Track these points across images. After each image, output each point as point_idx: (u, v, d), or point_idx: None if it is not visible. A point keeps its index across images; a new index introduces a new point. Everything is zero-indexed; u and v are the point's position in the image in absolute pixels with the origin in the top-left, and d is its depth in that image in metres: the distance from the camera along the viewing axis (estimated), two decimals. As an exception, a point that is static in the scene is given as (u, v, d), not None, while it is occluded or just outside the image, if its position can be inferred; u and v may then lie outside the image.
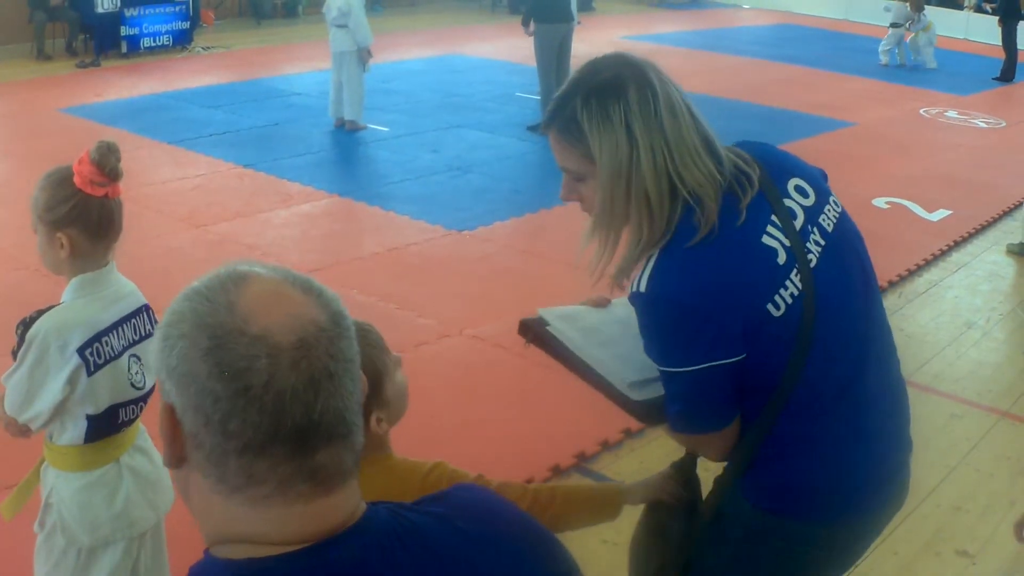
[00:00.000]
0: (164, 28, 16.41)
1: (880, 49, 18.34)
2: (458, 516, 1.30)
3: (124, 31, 15.81)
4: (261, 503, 1.17)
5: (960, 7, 24.12)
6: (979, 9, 23.41)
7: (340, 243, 8.24)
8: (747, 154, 2.24)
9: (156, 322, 2.99)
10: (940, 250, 8.58)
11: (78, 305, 2.85)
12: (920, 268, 8.16)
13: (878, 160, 11.39)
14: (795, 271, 2.13)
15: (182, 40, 16.66)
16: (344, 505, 1.22)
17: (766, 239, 2.14)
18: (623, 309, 2.45)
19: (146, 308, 3.01)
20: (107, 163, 2.79)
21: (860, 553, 2.46)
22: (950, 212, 9.59)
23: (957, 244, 8.81)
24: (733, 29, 22.64)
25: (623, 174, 2.12)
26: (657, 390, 2.29)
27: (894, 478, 2.37)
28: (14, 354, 2.83)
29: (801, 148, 11.24)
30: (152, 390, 3.00)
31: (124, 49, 15.81)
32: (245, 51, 16.97)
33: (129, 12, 15.80)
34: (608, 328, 2.45)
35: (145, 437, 3.09)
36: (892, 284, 7.67)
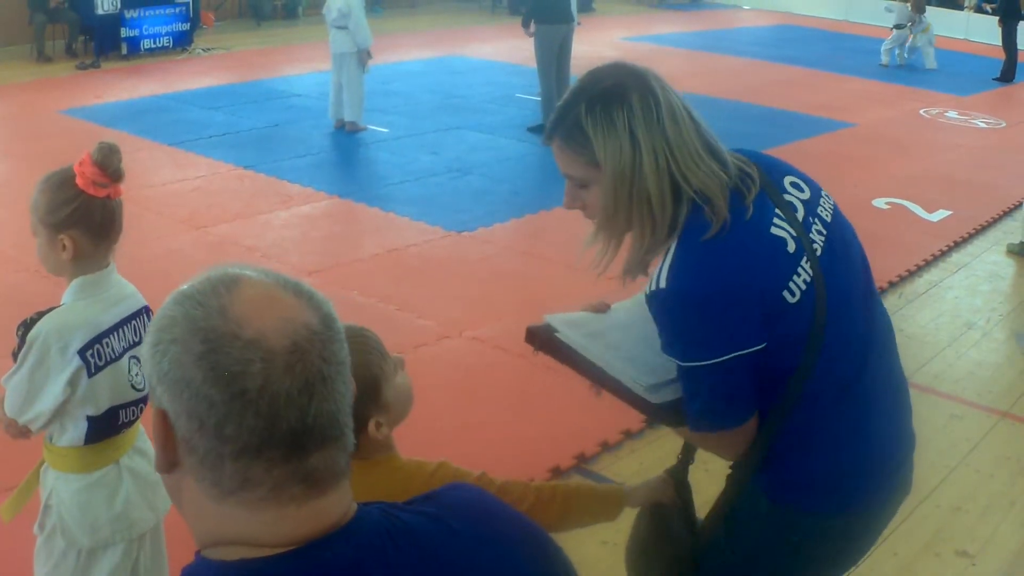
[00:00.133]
0: (164, 30, 16.42)
1: (882, 49, 18.34)
2: (450, 515, 1.31)
3: (124, 33, 15.83)
4: (255, 506, 1.17)
5: (960, 7, 24.13)
6: (979, 9, 23.42)
7: (340, 244, 8.25)
8: (743, 156, 2.31)
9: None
10: (940, 251, 8.58)
11: (79, 307, 2.85)
12: (920, 269, 8.16)
13: (878, 161, 11.39)
14: (805, 259, 2.19)
15: (182, 42, 16.67)
16: (336, 506, 1.22)
17: (775, 230, 2.19)
18: (624, 313, 2.50)
19: (146, 310, 3.02)
20: (110, 164, 2.79)
21: (871, 544, 2.49)
22: (950, 212, 9.59)
23: (957, 245, 8.81)
24: (733, 30, 22.64)
25: (627, 177, 2.16)
26: (673, 392, 2.31)
27: (900, 469, 2.41)
28: (14, 356, 2.84)
29: (801, 149, 11.33)
30: (152, 392, 2.99)
31: (124, 51, 15.82)
32: (245, 52, 16.98)
33: (129, 14, 15.81)
34: (614, 332, 2.46)
35: (144, 439, 3.09)
36: (892, 285, 7.68)
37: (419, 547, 1.24)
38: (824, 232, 2.28)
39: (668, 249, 2.20)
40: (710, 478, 3.17)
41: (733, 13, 26.21)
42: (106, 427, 2.91)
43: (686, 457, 2.66)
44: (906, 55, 18.46)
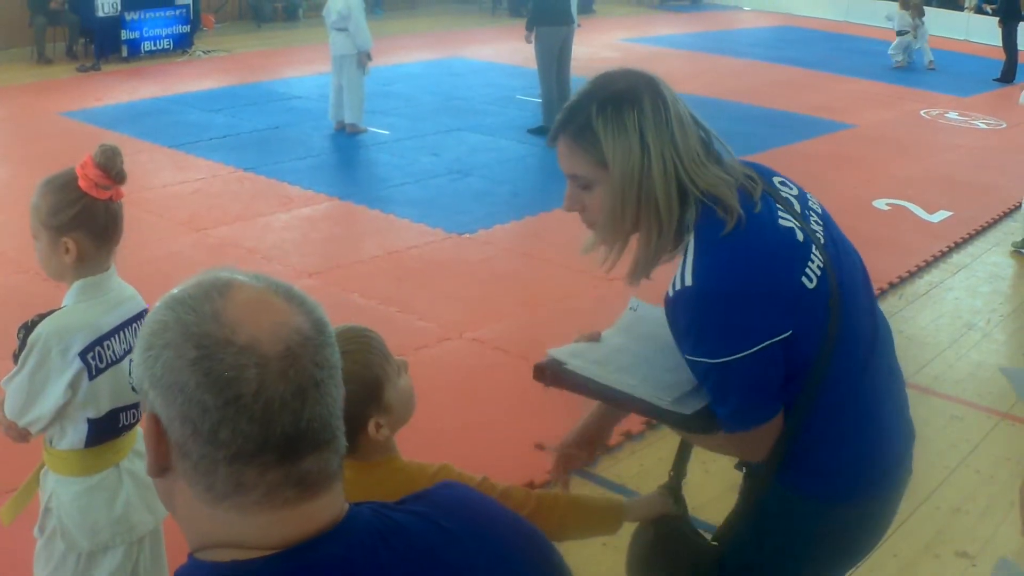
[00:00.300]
0: (164, 32, 16.42)
1: (891, 52, 18.31)
2: (441, 514, 1.31)
3: (125, 35, 15.83)
4: (248, 509, 1.18)
5: (960, 8, 24.12)
6: (979, 10, 23.41)
7: (340, 246, 8.25)
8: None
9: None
10: (940, 251, 8.58)
11: (80, 309, 2.85)
12: (920, 270, 8.16)
13: (878, 162, 11.39)
14: (813, 247, 2.25)
15: (182, 44, 16.68)
16: (329, 508, 1.22)
17: (782, 221, 2.25)
18: (618, 339, 2.53)
19: (147, 312, 3.01)
20: (113, 166, 2.80)
21: (889, 525, 2.53)
22: (950, 213, 9.59)
23: (957, 245, 8.81)
24: (733, 31, 22.65)
25: (635, 179, 2.19)
26: (698, 401, 2.32)
27: (907, 452, 2.48)
28: (15, 358, 2.84)
29: (801, 150, 11.34)
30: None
31: (125, 53, 15.83)
32: (245, 55, 16.99)
33: (129, 16, 15.82)
34: (619, 356, 2.48)
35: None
36: (892, 286, 7.68)
37: (410, 546, 1.25)
38: (821, 223, 2.35)
39: (684, 249, 2.22)
40: (710, 479, 3.19)
41: (733, 14, 26.22)
42: (106, 430, 2.91)
43: (679, 472, 2.70)
44: (911, 58, 18.45)
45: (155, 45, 16.27)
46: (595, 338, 2.56)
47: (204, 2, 18.74)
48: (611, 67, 2.36)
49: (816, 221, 2.34)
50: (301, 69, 15.40)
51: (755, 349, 2.15)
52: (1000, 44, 17.41)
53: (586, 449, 2.73)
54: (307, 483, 1.19)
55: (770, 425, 2.28)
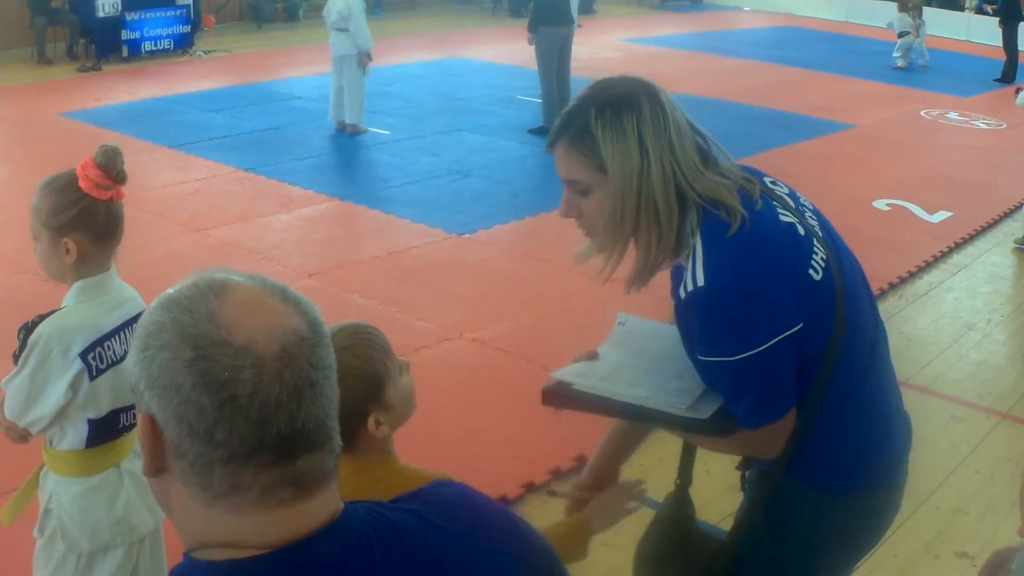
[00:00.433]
0: (165, 32, 16.43)
1: (895, 55, 18.30)
2: (435, 512, 1.31)
3: (125, 35, 15.85)
4: (244, 509, 1.18)
5: (961, 8, 24.12)
6: (980, 11, 23.40)
7: (340, 247, 8.25)
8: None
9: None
10: (940, 252, 8.58)
11: (80, 309, 2.85)
12: (920, 270, 8.16)
13: (879, 162, 11.39)
14: (815, 240, 2.30)
15: (183, 44, 16.68)
16: (324, 507, 1.23)
17: (783, 217, 2.29)
18: (616, 355, 2.54)
19: (146, 312, 3.01)
20: (113, 166, 2.80)
21: (893, 519, 2.57)
22: (951, 214, 9.59)
23: (958, 246, 8.81)
24: (734, 31, 22.65)
25: (634, 183, 2.21)
26: (707, 404, 2.33)
27: (908, 444, 2.53)
28: (15, 358, 2.84)
29: (802, 150, 11.34)
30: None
31: (125, 53, 15.84)
32: (246, 55, 17.00)
33: (130, 16, 15.83)
34: (623, 371, 2.49)
35: (144, 442, 3.08)
36: (892, 286, 7.68)
37: (405, 544, 1.25)
38: (816, 220, 2.39)
39: (691, 253, 2.24)
40: (711, 480, 3.19)
41: (734, 15, 26.22)
42: (107, 430, 2.91)
43: (685, 479, 2.74)
44: (911, 58, 18.43)
45: (155, 45, 16.28)
46: (593, 356, 2.57)
47: (204, 2, 18.73)
48: (611, 69, 2.37)
49: (811, 217, 2.38)
50: (301, 69, 15.40)
51: (770, 344, 2.18)
52: (1000, 44, 17.40)
53: (596, 492, 2.73)
54: (303, 483, 1.20)
55: (785, 420, 2.30)
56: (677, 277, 2.33)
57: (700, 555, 2.63)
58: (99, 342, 2.85)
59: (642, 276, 2.33)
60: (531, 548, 1.39)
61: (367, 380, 2.13)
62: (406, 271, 7.61)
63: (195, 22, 17.34)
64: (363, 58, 11.34)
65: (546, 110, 11.93)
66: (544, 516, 4.56)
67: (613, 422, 2.74)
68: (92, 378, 2.83)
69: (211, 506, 1.18)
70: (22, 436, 2.88)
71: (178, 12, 16.68)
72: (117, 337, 2.89)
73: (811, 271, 2.24)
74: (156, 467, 1.21)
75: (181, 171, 9.99)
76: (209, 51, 16.88)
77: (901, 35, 18.31)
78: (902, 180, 10.68)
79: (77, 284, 2.87)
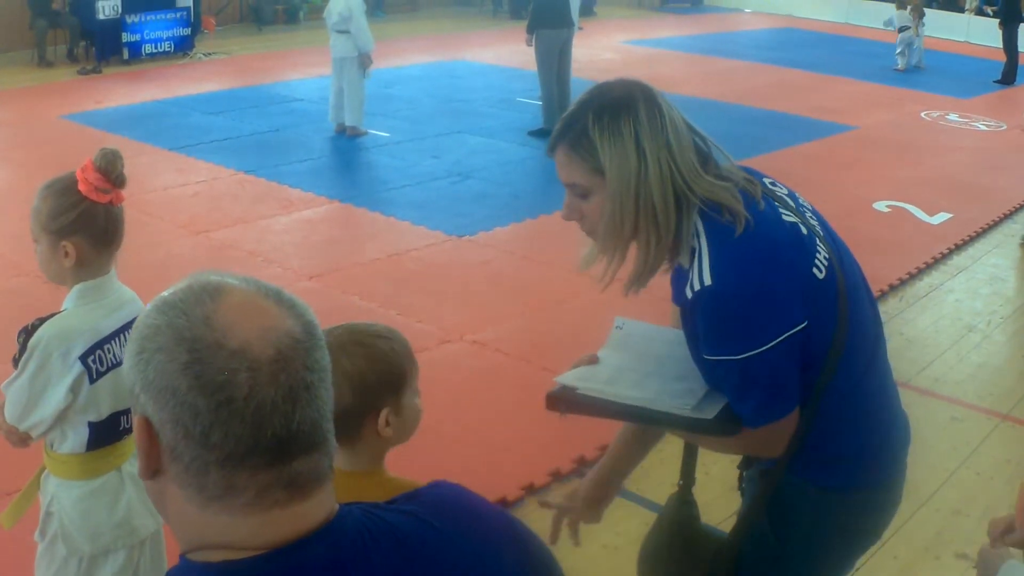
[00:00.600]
0: (165, 35, 16.44)
1: (897, 53, 18.28)
2: (431, 513, 1.32)
3: (125, 38, 15.85)
4: (239, 511, 1.19)
5: (961, 10, 24.13)
6: (980, 12, 23.41)
7: (341, 249, 8.25)
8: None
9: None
10: (941, 253, 8.58)
11: (80, 312, 2.85)
12: (921, 271, 8.16)
13: (879, 163, 11.40)
14: (817, 240, 2.33)
15: (183, 46, 16.69)
16: (319, 509, 1.23)
17: (785, 217, 2.32)
18: (616, 358, 2.55)
19: (146, 315, 3.01)
20: (113, 170, 2.80)
21: (893, 517, 2.58)
22: (951, 215, 9.59)
23: (958, 247, 8.81)
24: (734, 33, 22.66)
25: (631, 186, 2.23)
26: (711, 404, 2.35)
27: (907, 441, 2.56)
28: (15, 362, 2.84)
29: (802, 152, 11.34)
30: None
31: (125, 56, 15.85)
32: (246, 57, 17.00)
33: (130, 19, 15.83)
34: (626, 375, 2.50)
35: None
36: (893, 287, 7.68)
37: (400, 545, 1.26)
38: (816, 220, 2.41)
39: (695, 254, 2.26)
40: (710, 481, 3.19)
41: (734, 16, 26.23)
42: (107, 433, 2.91)
43: (688, 480, 2.76)
44: (916, 59, 18.40)
45: (156, 48, 16.29)
46: (594, 360, 2.58)
47: (205, 5, 18.74)
48: (611, 71, 2.40)
49: (811, 217, 2.41)
50: (302, 71, 15.41)
51: (775, 342, 2.20)
52: (1001, 46, 17.41)
53: (592, 507, 2.75)
54: (298, 484, 1.20)
55: (788, 419, 2.32)
56: (679, 280, 2.35)
57: (703, 555, 2.64)
58: (99, 345, 2.85)
59: (641, 278, 2.35)
60: (528, 550, 1.40)
61: (392, 371, 2.15)
62: (406, 273, 7.61)
63: (195, 24, 17.35)
64: (364, 59, 11.35)
65: (546, 112, 11.93)
66: (544, 518, 4.57)
67: (617, 436, 2.74)
68: (92, 381, 2.83)
69: (206, 508, 1.19)
70: (23, 440, 2.88)
71: (178, 14, 16.69)
72: (117, 340, 2.89)
73: (815, 270, 2.27)
74: (152, 469, 1.22)
75: (181, 173, 10.00)
76: (209, 53, 16.89)
77: (901, 30, 18.27)
78: (902, 181, 10.68)
79: (77, 287, 2.87)
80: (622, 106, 2.25)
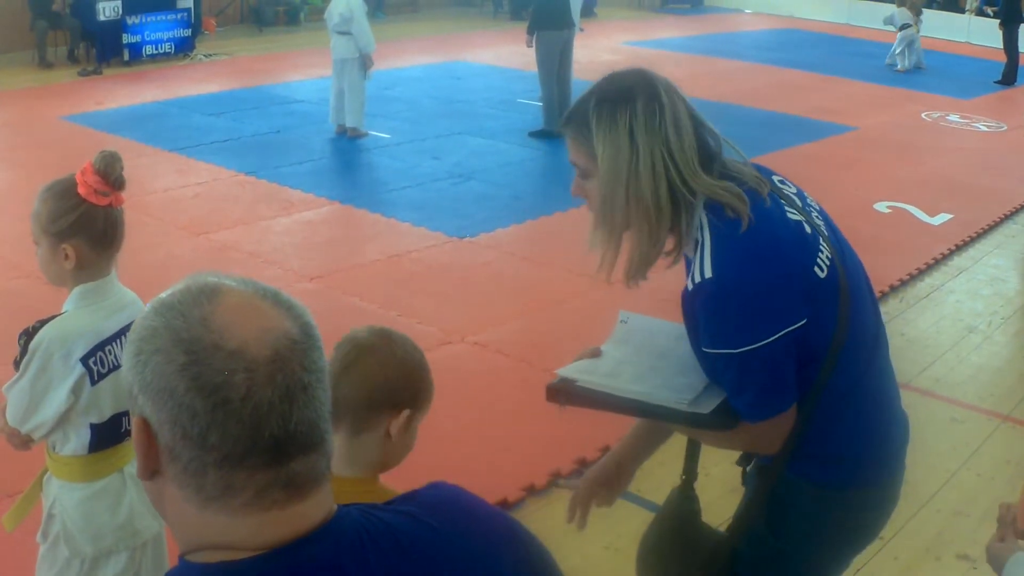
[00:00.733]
0: (166, 36, 16.44)
1: (895, 54, 18.27)
2: (429, 513, 1.32)
3: (126, 39, 15.85)
4: (237, 511, 1.19)
5: (961, 10, 24.12)
6: (980, 13, 23.40)
7: (341, 250, 8.25)
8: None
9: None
10: (941, 254, 8.58)
11: (81, 314, 2.86)
12: (921, 272, 8.16)
13: (879, 164, 11.40)
14: (820, 239, 2.35)
15: (184, 48, 16.69)
16: (317, 509, 1.24)
17: (790, 215, 2.35)
18: (619, 352, 2.58)
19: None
20: (112, 172, 2.80)
21: (890, 516, 2.60)
22: (951, 216, 9.60)
23: (958, 248, 8.81)
24: (735, 34, 22.65)
25: (622, 176, 2.29)
26: (709, 399, 2.37)
27: (905, 441, 2.57)
28: (16, 364, 2.84)
29: (803, 153, 11.35)
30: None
31: (126, 57, 15.84)
32: (247, 58, 17.00)
33: (131, 20, 15.83)
34: (626, 368, 2.52)
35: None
36: (893, 288, 7.68)
37: (398, 545, 1.26)
38: (821, 220, 2.45)
39: (698, 247, 2.29)
40: (711, 482, 3.19)
41: (735, 17, 26.21)
42: (109, 435, 2.92)
43: (690, 474, 2.78)
44: (916, 58, 18.37)
45: (156, 49, 16.28)
46: (596, 353, 2.60)
47: (205, 6, 18.75)
48: (620, 67, 2.43)
49: (817, 217, 2.43)
50: (302, 73, 15.41)
51: (774, 338, 2.23)
52: (1001, 46, 17.40)
53: (606, 488, 2.76)
54: (295, 485, 1.21)
55: (785, 415, 2.34)
56: (689, 270, 2.38)
57: (702, 550, 2.67)
58: (100, 347, 2.85)
59: (637, 270, 2.39)
60: (527, 551, 1.40)
61: (425, 380, 2.23)
62: (407, 275, 7.62)
63: (196, 26, 17.35)
64: (366, 61, 11.35)
65: (547, 113, 11.94)
66: (544, 518, 4.58)
67: (633, 426, 2.76)
68: (93, 383, 2.84)
69: (205, 508, 1.19)
70: (24, 442, 2.89)
71: (179, 16, 16.69)
72: (118, 341, 2.89)
73: (816, 268, 2.29)
74: (151, 470, 1.22)
75: (182, 175, 10.00)
76: (210, 55, 16.88)
77: (903, 28, 18.23)
78: (903, 182, 10.69)
79: (77, 289, 2.87)
80: (621, 98, 2.31)
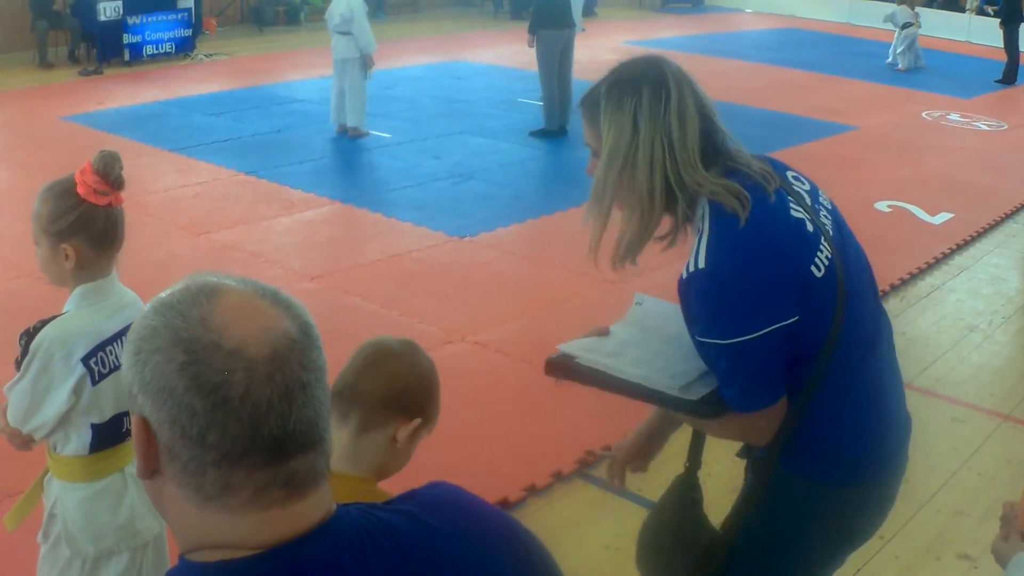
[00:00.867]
0: (166, 36, 16.44)
1: (896, 53, 18.25)
2: (428, 512, 1.32)
3: (127, 39, 15.84)
4: (236, 510, 1.19)
5: (962, 10, 24.11)
6: (981, 12, 23.40)
7: (342, 250, 8.26)
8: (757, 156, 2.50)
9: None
10: (942, 253, 8.59)
11: (82, 315, 2.86)
12: (922, 271, 8.16)
13: (880, 164, 11.40)
14: (822, 238, 2.37)
15: (184, 48, 16.69)
16: (316, 508, 1.24)
17: (794, 213, 2.37)
18: (626, 333, 2.60)
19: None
20: (111, 172, 2.80)
21: (889, 510, 2.61)
22: (952, 215, 9.60)
23: (959, 247, 8.82)
24: (736, 33, 22.65)
25: (619, 158, 2.35)
26: (703, 387, 2.41)
27: (907, 441, 2.59)
28: (17, 364, 2.84)
29: (803, 152, 11.34)
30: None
31: (127, 57, 15.84)
32: (247, 58, 17.00)
33: (131, 20, 15.83)
34: (629, 349, 2.54)
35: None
36: (894, 288, 7.68)
37: (397, 544, 1.26)
38: (830, 218, 2.46)
39: (699, 235, 2.33)
40: (712, 481, 3.19)
41: (736, 17, 26.21)
42: (110, 435, 2.92)
43: (694, 462, 2.80)
44: (914, 57, 18.34)
45: (157, 49, 16.28)
46: (604, 333, 2.63)
47: (206, 6, 18.75)
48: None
49: (825, 215, 2.45)
50: (303, 72, 15.41)
51: (763, 332, 2.25)
52: (1002, 46, 17.40)
53: (639, 456, 2.82)
54: (295, 484, 1.21)
55: (774, 409, 2.37)
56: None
57: (701, 539, 2.69)
58: (101, 347, 2.85)
59: (627, 252, 2.43)
60: (527, 550, 1.40)
61: (436, 396, 2.26)
62: (408, 274, 7.62)
63: (196, 26, 17.35)
64: (367, 60, 11.35)
65: (547, 113, 11.94)
66: (545, 518, 4.58)
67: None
68: (94, 383, 2.84)
69: (204, 507, 1.19)
70: (26, 442, 2.89)
71: (179, 16, 16.69)
72: (119, 342, 2.89)
73: (813, 268, 2.30)
74: (150, 469, 1.22)
75: (182, 175, 10.00)
76: (210, 54, 16.88)
77: (905, 26, 18.21)
78: (903, 182, 10.69)
79: (78, 289, 2.87)
80: (630, 86, 2.37)
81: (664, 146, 2.32)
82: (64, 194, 2.80)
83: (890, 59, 18.48)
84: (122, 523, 2.95)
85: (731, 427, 2.46)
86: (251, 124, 12.13)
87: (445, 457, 4.75)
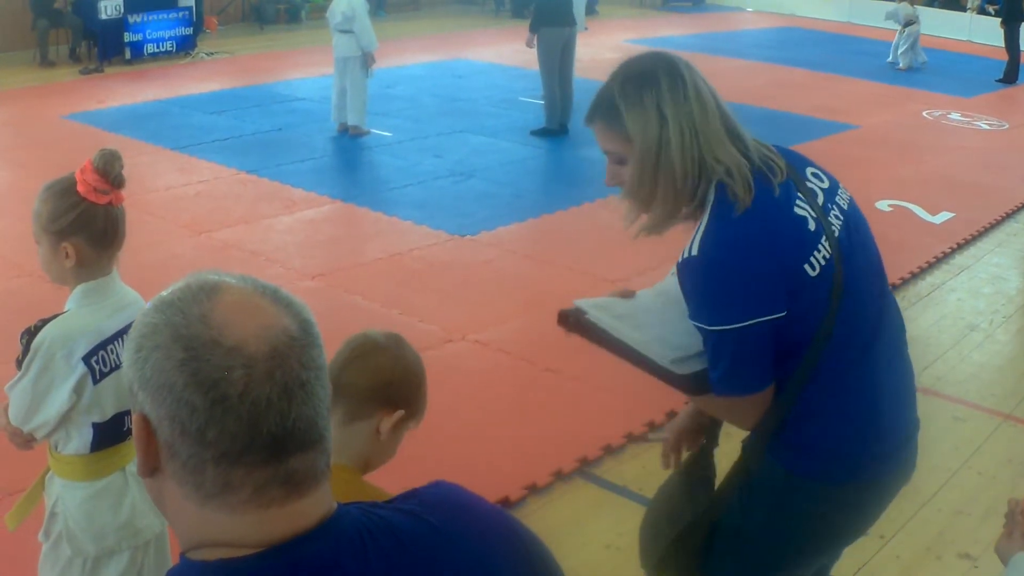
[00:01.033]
0: (167, 34, 16.43)
1: (899, 53, 18.23)
2: (429, 511, 1.32)
3: (127, 37, 15.83)
4: (236, 509, 1.19)
5: (963, 9, 24.11)
6: (982, 11, 23.39)
7: (343, 249, 8.26)
8: (771, 147, 2.53)
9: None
10: (943, 252, 8.59)
11: (83, 313, 2.86)
12: (923, 271, 8.16)
13: (881, 163, 11.39)
14: (824, 238, 2.39)
15: (185, 46, 16.68)
16: (316, 507, 1.24)
17: (797, 210, 2.39)
18: (648, 299, 2.67)
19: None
20: (111, 171, 2.80)
21: (877, 516, 2.63)
22: (953, 215, 9.60)
23: (960, 247, 8.81)
24: (736, 32, 22.64)
25: (653, 151, 2.38)
26: (697, 364, 2.47)
27: (906, 445, 2.59)
28: (18, 363, 2.84)
29: (804, 151, 11.23)
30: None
31: (128, 55, 15.83)
32: (248, 57, 17.00)
33: (132, 18, 15.82)
34: (641, 315, 2.61)
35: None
36: (895, 287, 7.66)
37: (398, 543, 1.26)
38: (841, 218, 2.47)
39: (700, 222, 2.38)
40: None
41: (736, 15, 26.21)
42: (111, 434, 2.92)
43: (711, 439, 2.86)
44: (913, 56, 18.32)
45: (158, 47, 16.27)
46: (628, 295, 2.69)
47: (207, 4, 18.74)
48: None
49: (836, 215, 2.46)
50: (304, 71, 15.41)
51: (748, 323, 2.30)
52: (1003, 45, 17.39)
53: (692, 435, 2.87)
54: (294, 482, 1.21)
55: (757, 396, 2.42)
56: None
57: (689, 510, 2.72)
58: (102, 346, 2.85)
59: (654, 228, 2.50)
60: (527, 549, 1.40)
61: (423, 387, 2.28)
62: (408, 273, 7.62)
63: (197, 24, 17.34)
64: (368, 59, 11.34)
65: (548, 111, 11.94)
66: (546, 517, 4.58)
67: None
68: (96, 382, 2.84)
69: (204, 505, 1.20)
70: (27, 441, 2.89)
71: (180, 14, 16.68)
72: (120, 340, 2.89)
73: (807, 266, 2.33)
74: (150, 467, 1.23)
75: (183, 173, 10.00)
76: (211, 53, 16.88)
77: (907, 24, 18.17)
78: (904, 181, 10.69)
79: (79, 288, 2.87)
80: (644, 78, 2.41)
81: (692, 129, 2.37)
82: (64, 193, 2.80)
83: (891, 58, 18.47)
84: (123, 522, 2.96)
85: (716, 406, 2.54)
86: (252, 123, 12.13)
87: (445, 456, 4.76)
